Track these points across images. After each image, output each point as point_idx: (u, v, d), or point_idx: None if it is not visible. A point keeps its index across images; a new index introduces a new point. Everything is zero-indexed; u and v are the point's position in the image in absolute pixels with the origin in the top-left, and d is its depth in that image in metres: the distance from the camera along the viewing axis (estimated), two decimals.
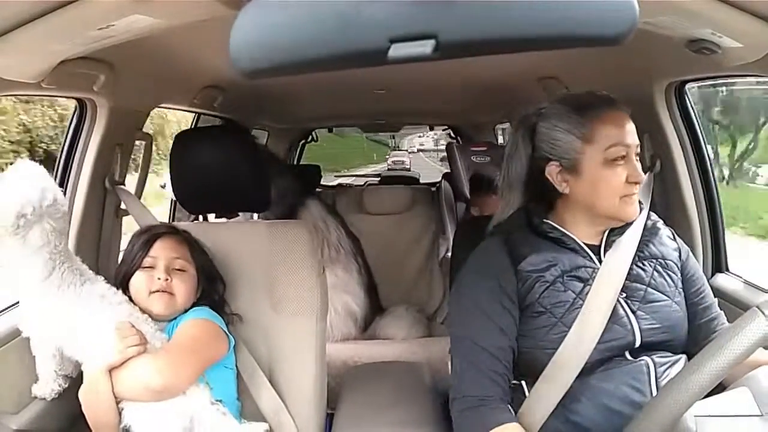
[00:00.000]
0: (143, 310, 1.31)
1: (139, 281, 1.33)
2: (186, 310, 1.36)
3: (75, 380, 1.29)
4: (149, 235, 1.38)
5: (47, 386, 1.31)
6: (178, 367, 1.23)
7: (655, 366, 1.12)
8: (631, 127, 1.16)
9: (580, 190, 1.18)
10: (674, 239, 1.26)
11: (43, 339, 1.28)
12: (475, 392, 1.13)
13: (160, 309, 1.32)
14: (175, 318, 1.35)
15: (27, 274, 1.20)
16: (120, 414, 1.22)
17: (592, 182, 1.16)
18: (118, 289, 1.31)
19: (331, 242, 2.76)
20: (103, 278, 1.31)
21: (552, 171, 1.19)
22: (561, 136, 1.17)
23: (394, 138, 17.77)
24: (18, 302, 1.38)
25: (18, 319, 1.28)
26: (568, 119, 1.17)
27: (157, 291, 1.32)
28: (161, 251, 1.35)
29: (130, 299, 1.32)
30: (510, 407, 1.13)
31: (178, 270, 1.36)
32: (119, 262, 1.46)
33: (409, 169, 13.51)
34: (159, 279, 1.32)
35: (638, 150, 1.17)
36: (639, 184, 1.16)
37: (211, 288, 1.42)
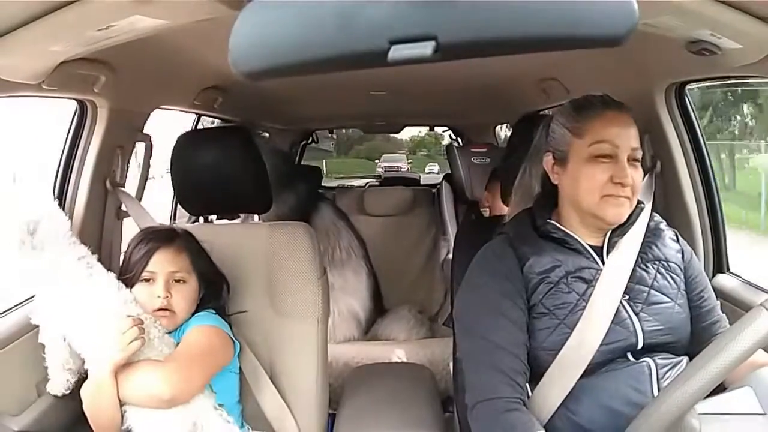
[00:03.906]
0: None
1: (139, 297, 1.31)
2: (192, 314, 1.36)
3: (77, 382, 1.29)
4: (147, 247, 1.34)
5: (57, 380, 1.30)
6: (187, 376, 1.22)
7: (656, 367, 1.12)
8: (628, 130, 1.15)
9: (566, 184, 1.20)
10: (677, 241, 1.26)
11: (51, 329, 1.27)
12: (499, 394, 1.09)
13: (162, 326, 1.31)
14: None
15: (38, 264, 1.21)
16: (122, 416, 1.22)
17: (575, 176, 1.17)
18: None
19: (342, 245, 2.78)
20: (114, 274, 1.31)
21: (548, 162, 1.23)
22: (557, 129, 1.22)
23: None
24: (18, 304, 1.38)
25: (29, 309, 1.28)
26: (567, 115, 1.21)
27: (158, 310, 1.31)
28: (159, 265, 1.32)
29: None
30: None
31: (178, 282, 1.34)
32: (121, 264, 1.46)
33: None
34: (159, 297, 1.31)
35: (636, 154, 1.16)
36: (625, 186, 1.14)
37: (214, 291, 1.41)
